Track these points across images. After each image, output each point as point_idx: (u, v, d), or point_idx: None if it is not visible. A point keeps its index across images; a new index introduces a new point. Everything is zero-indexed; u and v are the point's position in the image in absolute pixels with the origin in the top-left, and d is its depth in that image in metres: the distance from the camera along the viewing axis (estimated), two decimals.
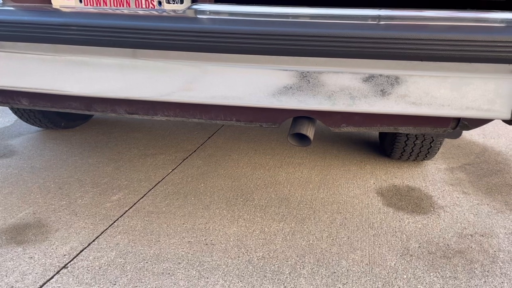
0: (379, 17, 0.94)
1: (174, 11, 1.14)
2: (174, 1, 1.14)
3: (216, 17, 1.00)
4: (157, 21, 0.96)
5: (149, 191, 1.73)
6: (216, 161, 2.03)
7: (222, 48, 0.93)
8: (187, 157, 2.07)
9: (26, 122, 2.27)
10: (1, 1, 1.14)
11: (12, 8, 1.08)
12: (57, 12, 1.08)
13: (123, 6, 1.17)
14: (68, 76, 1.07)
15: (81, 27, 0.98)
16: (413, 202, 1.72)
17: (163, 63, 1.05)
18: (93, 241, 1.38)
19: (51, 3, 1.19)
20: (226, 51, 0.94)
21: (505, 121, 0.97)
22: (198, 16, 1.02)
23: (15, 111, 2.21)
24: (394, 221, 1.56)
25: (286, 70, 0.95)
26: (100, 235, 1.41)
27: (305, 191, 1.77)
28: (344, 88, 0.96)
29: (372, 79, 0.94)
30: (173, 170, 1.93)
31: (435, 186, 1.87)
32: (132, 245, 1.37)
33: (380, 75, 0.93)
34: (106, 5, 1.17)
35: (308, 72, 0.97)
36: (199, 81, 1.05)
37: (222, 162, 2.03)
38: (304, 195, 1.73)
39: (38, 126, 2.33)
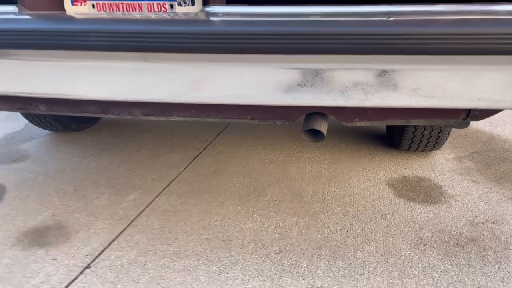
0: (389, 13, 0.96)
1: (186, 14, 1.16)
2: (186, 4, 1.16)
3: (229, 18, 1.02)
4: (170, 24, 0.99)
5: (163, 190, 1.76)
6: (227, 158, 2.06)
7: (236, 49, 0.96)
8: (197, 155, 2.09)
9: (37, 126, 2.30)
10: (17, 9, 1.16)
11: (28, 17, 1.11)
12: (72, 19, 1.10)
13: (135, 10, 1.19)
14: (86, 81, 1.10)
15: (98, 33, 1.00)
16: (424, 192, 1.74)
17: (178, 66, 1.08)
18: (113, 241, 1.41)
19: (65, 10, 1.21)
20: (240, 52, 0.96)
21: None
22: (211, 18, 1.04)
23: (26, 115, 2.23)
24: (406, 212, 1.59)
25: (300, 68, 0.98)
26: (119, 235, 1.44)
27: (316, 185, 1.79)
28: (357, 84, 0.99)
29: (385, 74, 0.96)
30: (184, 168, 1.95)
31: (444, 175, 1.90)
32: (152, 243, 1.40)
33: (393, 70, 0.95)
34: (119, 10, 1.19)
35: (321, 69, 0.99)
36: (214, 82, 1.07)
37: (233, 159, 2.05)
38: (316, 189, 1.76)
39: (49, 130, 2.36)
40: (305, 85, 1.01)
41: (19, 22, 1.05)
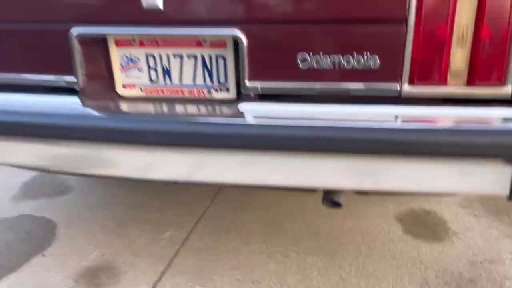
0: (396, 116, 1.15)
1: (221, 100, 1.35)
2: (221, 90, 1.35)
3: (261, 121, 1.20)
4: (214, 129, 1.17)
5: (194, 226, 1.97)
6: (248, 191, 2.26)
7: (272, 148, 1.15)
8: (221, 188, 2.30)
9: None
10: (79, 101, 1.35)
11: (95, 114, 1.29)
12: (130, 118, 1.28)
13: (178, 94, 1.38)
14: (145, 167, 1.29)
15: (151, 133, 1.20)
16: (430, 228, 1.93)
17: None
18: (157, 281, 1.63)
19: (117, 91, 1.41)
20: (276, 149, 1.15)
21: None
22: (246, 119, 1.22)
23: None
24: (413, 250, 1.79)
25: (328, 163, 1.16)
26: (162, 276, 1.67)
27: (331, 221, 1.99)
28: (369, 173, 1.17)
29: (392, 170, 1.15)
30: (212, 202, 2.16)
31: (449, 208, 2.08)
32: (191, 284, 1.62)
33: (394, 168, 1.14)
34: (164, 94, 1.39)
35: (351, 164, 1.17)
36: (259, 169, 1.24)
37: (253, 192, 2.25)
38: (332, 226, 1.96)
39: None
40: (330, 173, 1.19)
41: (103, 120, 1.24)
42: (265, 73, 1.21)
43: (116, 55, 1.36)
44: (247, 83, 1.22)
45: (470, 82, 1.11)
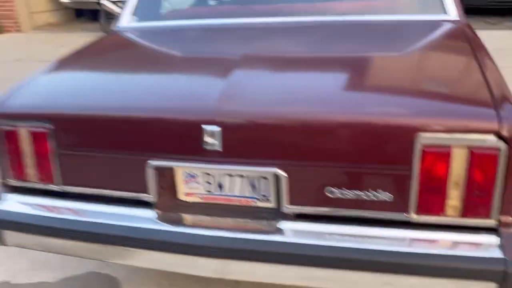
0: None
1: (265, 208, 1.67)
2: (264, 201, 1.68)
3: (301, 240, 1.52)
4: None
5: None
6: None
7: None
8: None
9: None
10: (156, 214, 1.69)
11: (167, 226, 1.64)
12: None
13: (228, 202, 1.71)
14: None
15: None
16: None
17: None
18: None
19: (180, 198, 1.75)
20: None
21: None
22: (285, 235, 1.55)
23: None
24: None
25: (349, 275, 1.48)
26: None
27: None
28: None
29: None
30: None
31: None
32: None
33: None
34: (217, 201, 1.72)
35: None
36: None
37: None
38: None
39: None
40: None
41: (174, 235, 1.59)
42: (300, 201, 1.53)
43: (180, 173, 1.70)
44: (287, 207, 1.55)
45: (463, 214, 1.42)
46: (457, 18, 2.17)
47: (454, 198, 1.41)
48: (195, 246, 1.57)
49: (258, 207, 1.68)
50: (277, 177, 1.55)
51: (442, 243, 1.44)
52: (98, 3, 8.98)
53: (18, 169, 1.80)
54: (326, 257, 1.46)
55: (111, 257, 1.73)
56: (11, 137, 1.76)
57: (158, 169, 1.64)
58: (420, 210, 1.44)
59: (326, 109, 1.49)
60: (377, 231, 1.49)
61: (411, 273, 1.41)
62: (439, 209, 1.42)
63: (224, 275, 1.59)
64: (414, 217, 1.45)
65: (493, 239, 1.40)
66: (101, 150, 1.68)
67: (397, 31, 2.15)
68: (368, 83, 1.70)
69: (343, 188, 1.47)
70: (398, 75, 1.72)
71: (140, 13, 2.56)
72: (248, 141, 1.53)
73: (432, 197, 1.41)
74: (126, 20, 2.56)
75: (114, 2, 8.88)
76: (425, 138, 1.37)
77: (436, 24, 2.16)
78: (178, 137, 1.58)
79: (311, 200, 1.52)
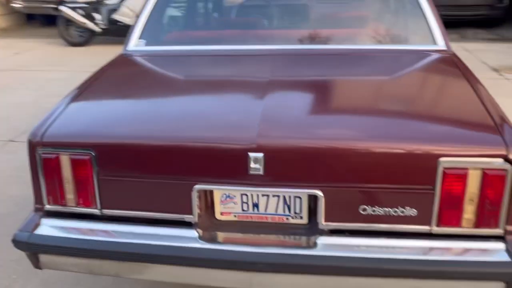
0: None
1: (297, 224, 1.84)
2: (296, 218, 1.85)
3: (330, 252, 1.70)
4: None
5: None
6: None
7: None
8: None
9: None
10: (196, 234, 1.81)
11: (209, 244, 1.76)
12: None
13: (263, 220, 1.87)
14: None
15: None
16: None
17: None
18: None
19: (216, 217, 1.88)
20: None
21: None
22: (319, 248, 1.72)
23: None
24: None
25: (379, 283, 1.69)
26: None
27: None
28: None
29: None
30: None
31: None
32: None
33: None
34: (251, 219, 1.87)
35: None
36: None
37: None
38: None
39: None
40: None
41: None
42: (335, 218, 1.72)
43: (218, 194, 1.83)
44: (323, 224, 1.73)
45: (476, 225, 1.67)
46: (445, 48, 2.45)
47: (469, 212, 1.65)
48: (238, 262, 1.71)
49: (290, 224, 1.85)
50: (314, 197, 1.72)
51: (459, 250, 1.68)
52: (56, 9, 8.76)
53: (56, 194, 1.85)
54: (359, 267, 1.66)
55: (153, 275, 1.83)
56: (51, 164, 1.81)
57: (201, 192, 1.77)
58: (441, 223, 1.67)
59: (361, 136, 1.70)
60: (403, 242, 1.70)
61: (434, 277, 1.64)
62: (457, 221, 1.66)
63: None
64: (435, 229, 1.68)
65: (500, 245, 1.66)
66: (145, 175, 1.78)
67: (396, 60, 2.41)
68: (392, 110, 1.94)
69: (375, 206, 1.67)
70: (413, 105, 1.97)
71: (152, 36, 2.65)
72: (288, 165, 1.70)
73: (451, 211, 1.65)
74: (135, 43, 2.64)
75: (73, 9, 8.70)
76: (446, 162, 1.60)
77: (428, 54, 2.44)
78: (224, 163, 1.72)
79: (345, 217, 1.71)
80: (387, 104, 2.00)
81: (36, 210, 1.91)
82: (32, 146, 1.82)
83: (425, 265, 1.63)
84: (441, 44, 2.47)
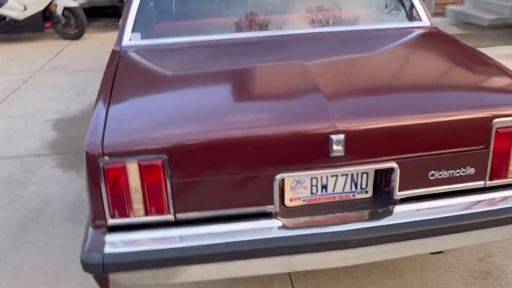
0: None
1: (363, 199, 1.95)
2: (362, 193, 1.95)
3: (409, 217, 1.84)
4: None
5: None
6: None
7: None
8: None
9: None
10: (280, 223, 1.80)
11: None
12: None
13: (330, 200, 1.93)
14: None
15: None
16: None
17: None
18: None
19: (285, 204, 1.90)
20: None
21: None
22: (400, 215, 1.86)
23: None
24: None
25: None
26: None
27: None
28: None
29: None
30: None
31: None
32: None
33: None
34: (320, 201, 1.93)
35: None
36: None
37: None
38: None
39: None
40: None
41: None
42: (409, 186, 1.86)
43: (289, 181, 1.85)
44: (398, 193, 1.85)
45: None
46: (429, 24, 2.71)
47: None
48: (332, 242, 1.77)
49: (356, 199, 1.94)
50: (381, 171, 1.84)
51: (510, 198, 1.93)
52: None
53: (123, 206, 1.71)
54: (436, 228, 1.82)
55: (244, 271, 1.80)
56: (116, 175, 1.66)
57: (280, 181, 1.77)
58: (493, 177, 1.90)
59: (428, 108, 1.84)
60: (465, 199, 1.91)
61: (496, 224, 1.87)
62: (505, 174, 1.91)
63: (358, 260, 1.84)
64: (488, 182, 1.91)
65: None
66: (223, 172, 1.73)
67: (397, 38, 2.60)
68: (442, 83, 2.09)
69: (442, 170, 1.85)
70: (451, 76, 2.17)
71: (148, 29, 2.53)
72: (366, 143, 1.78)
73: (502, 165, 1.89)
74: (133, 37, 2.48)
75: None
76: (498, 122, 1.83)
77: (418, 30, 2.68)
78: (306, 149, 1.74)
79: (417, 184, 1.86)
80: (434, 77, 2.15)
81: (97, 227, 1.74)
82: (92, 158, 1.65)
83: (487, 215, 1.85)
84: (425, 20, 2.73)
